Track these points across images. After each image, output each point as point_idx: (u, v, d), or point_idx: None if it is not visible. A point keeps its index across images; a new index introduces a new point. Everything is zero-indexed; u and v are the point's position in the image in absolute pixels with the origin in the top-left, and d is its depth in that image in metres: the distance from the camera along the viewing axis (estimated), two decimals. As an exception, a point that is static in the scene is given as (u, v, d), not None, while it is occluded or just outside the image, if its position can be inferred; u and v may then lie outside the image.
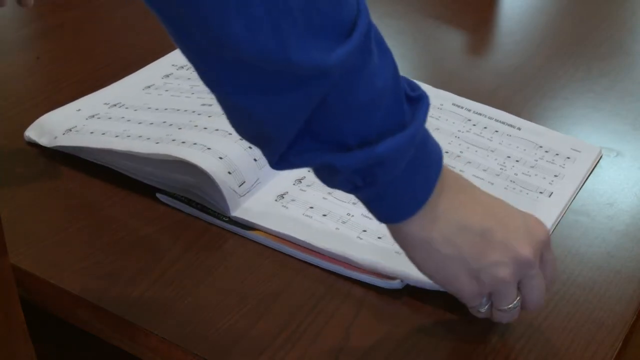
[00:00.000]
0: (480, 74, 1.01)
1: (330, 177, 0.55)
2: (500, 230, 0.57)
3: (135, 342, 0.64)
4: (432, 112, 0.86)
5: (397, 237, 0.58)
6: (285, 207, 0.74)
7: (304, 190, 0.76)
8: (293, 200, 0.75)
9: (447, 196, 0.56)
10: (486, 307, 0.61)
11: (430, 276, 0.60)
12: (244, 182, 0.74)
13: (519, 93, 0.95)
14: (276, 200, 0.75)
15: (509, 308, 0.60)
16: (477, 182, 0.77)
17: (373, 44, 0.51)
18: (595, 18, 1.14)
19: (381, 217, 0.57)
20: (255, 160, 0.75)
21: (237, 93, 0.49)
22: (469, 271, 0.58)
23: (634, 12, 1.18)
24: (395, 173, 0.54)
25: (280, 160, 0.53)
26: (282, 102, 0.49)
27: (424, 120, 0.54)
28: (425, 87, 0.91)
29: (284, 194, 0.75)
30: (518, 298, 0.60)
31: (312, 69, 0.48)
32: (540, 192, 0.77)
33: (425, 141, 0.56)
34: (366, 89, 0.51)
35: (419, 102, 0.54)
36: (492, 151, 0.82)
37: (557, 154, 0.83)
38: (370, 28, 0.50)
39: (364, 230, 0.71)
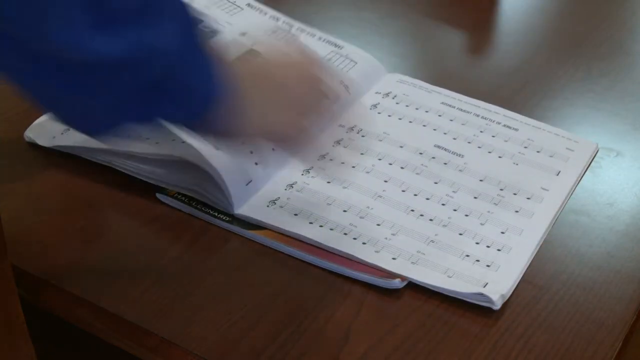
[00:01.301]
0: (480, 74, 1.01)
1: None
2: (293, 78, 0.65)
3: (135, 342, 0.64)
4: (432, 109, 0.87)
5: (213, 126, 0.61)
6: (281, 207, 0.74)
7: (300, 192, 0.76)
8: (289, 199, 0.75)
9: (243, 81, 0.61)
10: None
11: (256, 126, 0.63)
12: (251, 180, 0.75)
13: (519, 93, 0.95)
14: (273, 202, 0.75)
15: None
16: (474, 181, 0.78)
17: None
18: (595, 18, 1.14)
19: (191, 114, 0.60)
20: (256, 164, 0.75)
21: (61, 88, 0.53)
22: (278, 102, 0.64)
23: (634, 12, 1.18)
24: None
25: (110, 128, 0.58)
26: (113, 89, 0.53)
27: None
28: (422, 85, 0.92)
29: (277, 199, 0.75)
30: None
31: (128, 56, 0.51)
32: (541, 188, 0.77)
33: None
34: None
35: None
36: (490, 147, 0.83)
37: (553, 150, 0.83)
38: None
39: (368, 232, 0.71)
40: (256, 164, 0.75)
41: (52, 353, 0.74)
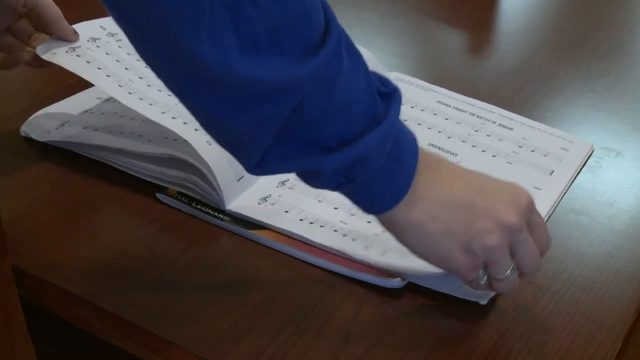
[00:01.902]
0: (480, 74, 1.01)
1: (313, 178, 0.57)
2: (482, 199, 0.59)
3: (135, 342, 0.64)
4: (427, 108, 0.87)
5: (386, 224, 0.60)
6: (273, 203, 0.74)
7: (291, 189, 0.76)
8: (280, 196, 0.75)
9: (426, 177, 0.58)
10: (484, 278, 0.62)
11: (424, 257, 0.61)
12: (243, 176, 0.75)
13: (519, 93, 0.95)
14: (264, 199, 0.75)
15: (506, 276, 0.61)
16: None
17: (344, 51, 0.52)
18: (595, 18, 1.14)
19: (366, 209, 0.59)
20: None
21: (207, 105, 0.51)
22: (460, 244, 0.59)
23: (634, 12, 1.18)
24: (375, 167, 0.55)
25: (258, 166, 0.55)
26: (252, 115, 0.51)
27: (397, 113, 0.56)
28: (419, 83, 0.92)
29: (268, 196, 0.75)
30: (513, 265, 0.61)
31: (280, 83, 0.49)
32: (534, 187, 0.77)
33: (401, 132, 0.57)
34: (341, 94, 0.52)
35: (392, 96, 0.56)
36: (484, 146, 0.83)
37: (547, 150, 0.83)
38: (340, 39, 0.52)
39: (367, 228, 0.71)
40: None
41: (52, 353, 0.74)
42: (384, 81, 0.57)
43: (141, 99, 0.78)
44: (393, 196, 0.57)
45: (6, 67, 0.80)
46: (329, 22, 0.51)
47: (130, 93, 0.78)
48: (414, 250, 0.61)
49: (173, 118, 0.76)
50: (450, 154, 0.81)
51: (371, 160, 0.55)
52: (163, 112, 0.77)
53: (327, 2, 0.52)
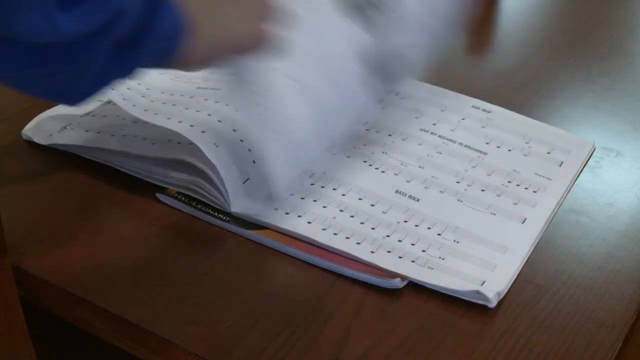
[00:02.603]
0: (480, 74, 1.01)
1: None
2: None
3: (135, 342, 0.64)
4: (429, 113, 0.87)
5: (190, 60, 0.62)
6: (277, 208, 0.74)
7: (297, 191, 0.76)
8: (286, 199, 0.75)
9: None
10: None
11: (226, 44, 0.63)
12: (248, 178, 0.75)
13: (519, 93, 0.95)
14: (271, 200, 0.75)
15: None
16: (469, 180, 0.78)
17: None
18: (595, 18, 1.14)
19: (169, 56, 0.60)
20: (254, 162, 0.75)
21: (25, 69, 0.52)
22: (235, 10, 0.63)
23: (634, 12, 1.18)
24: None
25: (89, 94, 0.57)
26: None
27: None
28: (422, 85, 0.92)
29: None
30: None
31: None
32: (534, 191, 0.77)
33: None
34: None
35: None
36: (486, 144, 0.83)
37: (549, 149, 0.83)
38: None
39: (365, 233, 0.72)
40: (254, 162, 0.75)
41: (52, 353, 0.74)
42: None
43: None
44: (177, 29, 0.58)
45: None
46: None
47: (134, 105, 0.79)
48: (218, 53, 0.64)
49: (179, 122, 0.76)
50: (455, 158, 0.81)
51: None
52: (169, 118, 0.77)
53: None
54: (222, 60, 0.66)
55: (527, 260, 0.71)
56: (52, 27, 0.48)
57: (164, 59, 0.59)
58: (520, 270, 0.69)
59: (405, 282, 0.67)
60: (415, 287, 0.67)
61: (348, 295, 0.67)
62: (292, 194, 0.75)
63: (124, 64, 0.56)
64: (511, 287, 0.68)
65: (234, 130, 0.77)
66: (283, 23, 0.67)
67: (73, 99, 0.57)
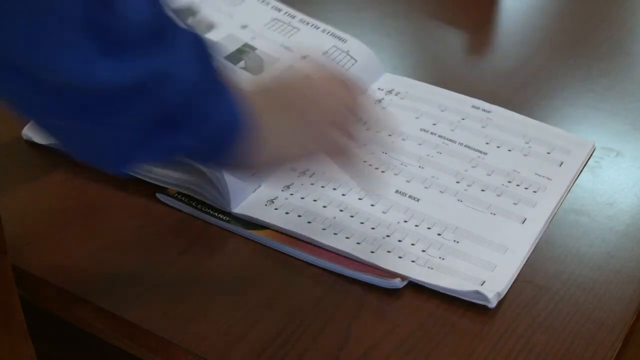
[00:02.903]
0: (480, 74, 1.01)
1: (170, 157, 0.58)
2: (305, 97, 0.63)
3: (135, 342, 0.64)
4: (430, 112, 0.87)
5: (248, 165, 0.61)
6: (279, 206, 0.74)
7: (298, 192, 0.76)
8: (287, 199, 0.75)
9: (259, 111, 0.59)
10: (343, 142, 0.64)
11: (296, 153, 0.63)
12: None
13: (519, 93, 0.95)
14: (271, 202, 0.75)
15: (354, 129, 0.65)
16: (469, 180, 0.78)
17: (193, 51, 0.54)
18: (595, 18, 1.14)
19: (221, 161, 0.60)
20: None
21: (68, 116, 0.51)
22: (306, 122, 0.62)
23: (634, 12, 1.18)
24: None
25: (119, 166, 0.56)
26: (121, 117, 0.52)
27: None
28: (422, 85, 0.92)
29: (275, 198, 0.75)
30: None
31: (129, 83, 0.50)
32: (534, 191, 0.77)
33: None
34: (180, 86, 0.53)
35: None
36: (486, 144, 0.83)
37: (549, 149, 0.83)
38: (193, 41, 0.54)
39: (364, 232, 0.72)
40: None
41: (52, 353, 0.74)
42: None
43: None
44: (236, 126, 0.58)
45: None
46: (176, 27, 0.52)
47: None
48: (283, 162, 0.63)
49: None
50: (455, 157, 0.81)
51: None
52: None
53: (170, 8, 0.53)
54: (285, 169, 0.65)
55: (527, 260, 0.71)
56: (89, 71, 0.48)
57: (214, 154, 0.58)
58: (520, 270, 0.69)
59: (405, 282, 0.67)
60: (415, 287, 0.67)
61: (348, 295, 0.67)
62: (292, 194, 0.75)
63: (166, 141, 0.54)
64: (511, 287, 0.68)
65: None
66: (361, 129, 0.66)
67: (110, 164, 0.56)
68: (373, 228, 0.72)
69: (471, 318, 0.65)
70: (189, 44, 0.54)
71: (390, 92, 0.90)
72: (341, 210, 0.74)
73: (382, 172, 0.76)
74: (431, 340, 0.63)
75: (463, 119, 0.86)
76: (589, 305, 0.67)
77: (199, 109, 0.54)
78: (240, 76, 0.63)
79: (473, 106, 0.89)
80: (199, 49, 0.55)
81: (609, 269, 0.70)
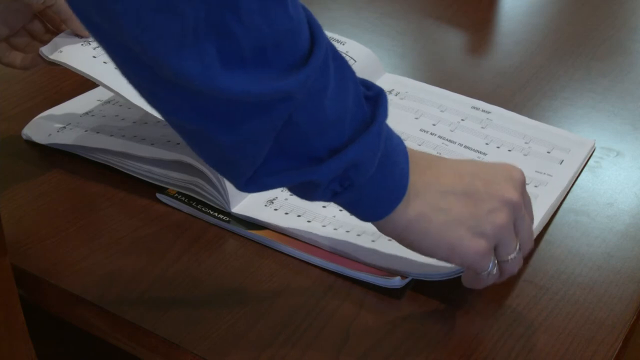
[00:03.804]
0: (480, 74, 1.01)
1: (307, 191, 0.56)
2: (480, 182, 0.59)
3: (135, 342, 0.64)
4: (430, 112, 0.87)
5: (387, 230, 0.59)
6: (278, 206, 0.74)
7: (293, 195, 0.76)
8: (286, 199, 0.75)
9: (420, 174, 0.58)
10: (494, 266, 0.61)
11: (433, 253, 0.60)
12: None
13: (519, 93, 0.95)
14: (271, 202, 0.75)
15: (514, 255, 0.61)
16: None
17: (331, 61, 0.52)
18: (595, 18, 1.14)
19: (366, 216, 0.58)
20: None
21: (196, 121, 0.50)
22: (468, 229, 0.58)
23: (634, 12, 1.18)
24: (370, 171, 0.55)
25: (249, 183, 0.54)
26: (242, 129, 0.50)
27: (385, 116, 0.56)
28: (422, 85, 0.92)
29: (274, 198, 0.75)
30: (518, 244, 0.61)
31: (267, 95, 0.48)
32: (535, 186, 0.77)
33: (390, 135, 0.57)
34: (331, 104, 0.52)
35: (378, 99, 0.56)
36: (486, 144, 0.83)
37: (549, 148, 0.83)
38: (327, 50, 0.51)
39: (363, 232, 0.72)
40: None
41: (52, 353, 0.74)
42: (367, 84, 0.57)
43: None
44: (391, 198, 0.57)
45: (26, 67, 0.79)
46: (315, 34, 0.50)
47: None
48: (423, 248, 0.60)
49: None
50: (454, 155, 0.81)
51: (364, 164, 0.54)
52: None
53: (311, 13, 0.51)
54: (422, 251, 0.60)
55: (527, 260, 0.70)
56: (211, 76, 0.46)
57: (345, 200, 0.56)
58: (521, 270, 0.69)
59: (405, 282, 0.67)
60: (415, 287, 0.67)
61: (348, 295, 0.67)
62: (291, 194, 0.75)
63: (298, 174, 0.53)
64: (511, 287, 0.68)
65: None
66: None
67: (238, 179, 0.54)
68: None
69: (471, 318, 0.65)
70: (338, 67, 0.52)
71: (390, 92, 0.90)
72: (341, 210, 0.74)
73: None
74: (431, 340, 0.63)
75: (463, 120, 0.86)
76: (589, 305, 0.67)
77: (341, 152, 0.53)
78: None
79: (473, 107, 0.89)
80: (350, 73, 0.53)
81: (609, 269, 0.70)
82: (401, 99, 0.89)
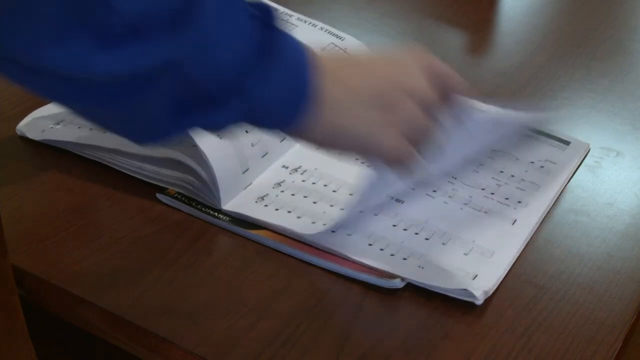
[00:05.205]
0: (480, 74, 1.01)
1: (212, 126, 0.56)
2: (387, 79, 0.59)
3: (135, 342, 0.64)
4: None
5: (303, 138, 0.59)
6: (268, 203, 0.74)
7: (288, 189, 0.76)
8: (277, 196, 0.75)
9: (327, 78, 0.57)
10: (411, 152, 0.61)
11: (352, 153, 0.60)
12: (246, 170, 0.75)
13: (519, 93, 0.95)
14: (262, 198, 0.75)
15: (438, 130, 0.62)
16: (460, 176, 0.78)
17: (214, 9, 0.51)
18: (595, 18, 1.14)
19: (273, 124, 0.58)
20: (252, 145, 0.75)
21: (88, 102, 0.50)
22: (381, 126, 0.59)
23: (634, 12, 1.18)
24: (268, 79, 0.54)
25: (150, 137, 0.55)
26: (134, 101, 0.51)
27: (271, 17, 0.54)
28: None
29: (265, 196, 0.75)
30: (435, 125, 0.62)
31: (151, 67, 0.49)
32: (524, 191, 0.77)
33: (290, 43, 0.56)
34: (222, 45, 0.51)
35: (269, 18, 0.55)
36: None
37: (545, 150, 0.83)
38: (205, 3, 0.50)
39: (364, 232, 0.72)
40: (252, 145, 0.75)
41: (52, 353, 0.74)
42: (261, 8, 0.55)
43: None
44: (294, 102, 0.56)
45: None
46: None
47: None
48: (342, 152, 0.60)
49: None
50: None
51: (260, 76, 0.53)
52: None
53: None
54: (344, 155, 0.61)
55: (527, 260, 0.71)
56: (85, 63, 0.47)
57: (265, 125, 0.56)
58: (521, 270, 0.69)
59: (405, 282, 0.67)
60: (415, 288, 0.67)
61: (348, 295, 0.67)
62: (282, 191, 0.75)
63: (201, 117, 0.53)
64: (511, 287, 0.68)
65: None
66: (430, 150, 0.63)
67: (142, 139, 0.55)
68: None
69: (471, 318, 0.65)
70: (221, 7, 0.51)
71: None
72: (331, 206, 0.74)
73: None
74: (431, 340, 0.63)
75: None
76: (589, 305, 0.67)
77: (238, 91, 0.53)
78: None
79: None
80: (235, 8, 0.52)
81: (609, 269, 0.70)
82: None
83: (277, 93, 0.55)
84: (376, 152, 0.60)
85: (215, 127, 0.56)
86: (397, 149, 0.60)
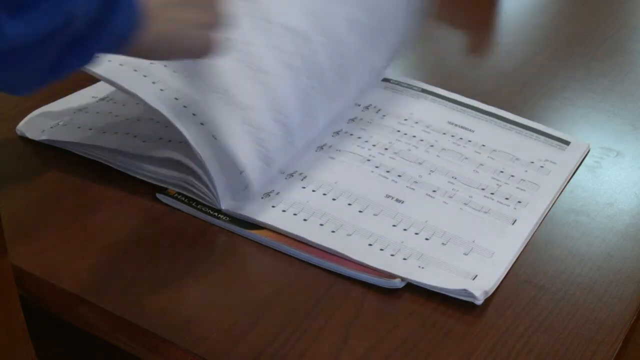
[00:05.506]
0: (480, 74, 1.01)
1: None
2: None
3: (135, 342, 0.64)
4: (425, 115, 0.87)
5: (132, 53, 0.60)
6: (274, 206, 0.74)
7: (288, 188, 0.76)
8: (278, 193, 0.75)
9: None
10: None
11: (178, 57, 0.65)
12: (242, 172, 0.75)
13: (519, 93, 0.95)
14: (262, 197, 0.75)
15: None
16: (466, 184, 0.78)
17: None
18: (595, 18, 1.14)
19: (114, 47, 0.59)
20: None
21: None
22: (194, 27, 0.63)
23: (634, 12, 1.18)
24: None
25: (32, 86, 0.55)
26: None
27: None
28: (418, 85, 0.92)
29: (271, 192, 0.75)
30: None
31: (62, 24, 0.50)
32: (524, 191, 0.77)
33: None
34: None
35: None
36: (482, 145, 0.83)
37: (544, 150, 0.83)
38: None
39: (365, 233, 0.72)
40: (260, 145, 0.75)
41: (52, 353, 0.74)
42: None
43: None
44: (134, 13, 0.57)
45: None
46: None
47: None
48: (166, 53, 0.63)
49: (166, 127, 0.76)
50: (453, 154, 0.81)
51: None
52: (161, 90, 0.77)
53: None
54: (170, 58, 0.67)
55: (527, 261, 0.71)
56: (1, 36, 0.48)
57: (115, 49, 0.59)
58: (521, 271, 0.69)
59: (405, 282, 0.67)
60: (415, 288, 0.67)
61: (348, 295, 0.67)
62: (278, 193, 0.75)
63: (77, 57, 0.55)
64: (511, 287, 0.68)
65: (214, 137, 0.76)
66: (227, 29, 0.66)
67: (21, 91, 0.56)
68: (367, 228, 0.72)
69: (471, 318, 0.65)
70: None
71: (367, 107, 0.89)
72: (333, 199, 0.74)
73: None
74: (431, 340, 0.63)
75: (444, 134, 0.85)
76: (589, 305, 0.67)
77: (102, 26, 0.55)
78: None
79: (449, 122, 0.87)
80: None
81: (609, 269, 0.70)
82: (382, 116, 0.87)
83: (126, 13, 0.57)
84: (197, 50, 0.65)
85: (84, 64, 0.57)
86: (213, 42, 0.65)
